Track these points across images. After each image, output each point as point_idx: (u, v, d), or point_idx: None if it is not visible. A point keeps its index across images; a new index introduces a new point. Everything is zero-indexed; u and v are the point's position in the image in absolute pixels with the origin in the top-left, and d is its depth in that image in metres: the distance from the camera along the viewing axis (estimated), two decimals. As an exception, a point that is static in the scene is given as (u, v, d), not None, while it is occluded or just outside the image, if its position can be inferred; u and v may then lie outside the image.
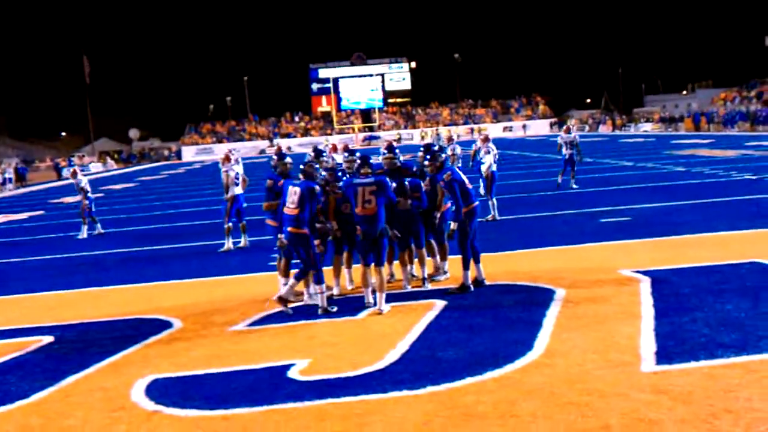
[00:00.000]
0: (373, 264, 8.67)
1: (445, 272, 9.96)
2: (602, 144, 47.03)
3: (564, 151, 20.95)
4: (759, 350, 6.21)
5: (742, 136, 44.93)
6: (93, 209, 18.48)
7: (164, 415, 5.82)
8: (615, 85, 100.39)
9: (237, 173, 14.46)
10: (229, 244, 14.17)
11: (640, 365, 6.08)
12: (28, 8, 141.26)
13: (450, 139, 19.17)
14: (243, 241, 14.46)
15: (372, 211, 8.61)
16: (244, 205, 14.56)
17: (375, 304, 8.63)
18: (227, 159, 14.94)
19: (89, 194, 18.20)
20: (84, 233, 18.21)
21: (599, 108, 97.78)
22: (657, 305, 7.82)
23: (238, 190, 14.37)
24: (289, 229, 8.66)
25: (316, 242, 8.79)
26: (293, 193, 8.68)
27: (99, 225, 18.74)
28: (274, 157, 9.93)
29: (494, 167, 16.32)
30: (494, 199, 15.93)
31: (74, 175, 18.62)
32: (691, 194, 17.55)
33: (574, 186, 20.82)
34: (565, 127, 21.95)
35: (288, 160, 9.75)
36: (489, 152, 16.45)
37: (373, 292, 8.76)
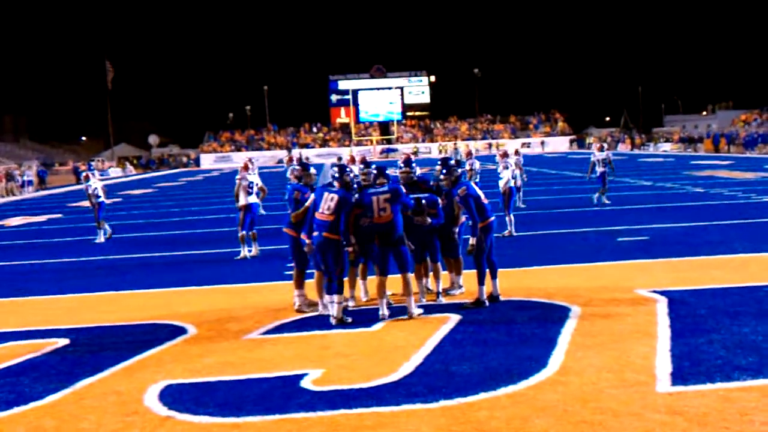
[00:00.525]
0: (402, 272, 8.76)
1: (460, 287, 9.94)
2: (621, 163, 46.70)
3: (597, 169, 21.02)
4: (776, 374, 6.15)
5: (763, 159, 44.60)
6: (101, 214, 18.49)
7: (177, 421, 5.84)
8: (635, 104, 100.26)
9: (251, 182, 14.46)
10: (244, 252, 14.21)
11: (655, 385, 6.04)
12: (51, 12, 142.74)
13: (469, 154, 19.22)
14: (254, 249, 14.43)
15: (387, 218, 8.68)
16: (262, 212, 14.55)
17: (389, 316, 8.67)
18: (245, 168, 14.98)
19: (100, 199, 18.20)
20: (101, 237, 18.33)
21: (618, 126, 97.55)
22: (673, 326, 7.77)
23: (252, 199, 14.39)
24: (324, 234, 8.71)
25: (349, 249, 8.83)
26: (329, 200, 8.76)
27: (107, 226, 18.81)
28: (297, 167, 9.99)
29: (512, 183, 16.27)
30: (511, 215, 15.88)
31: (86, 179, 18.74)
32: (710, 215, 17.45)
33: (594, 203, 20.76)
34: (598, 146, 22.04)
35: (312, 171, 9.86)
36: (507, 167, 16.41)
37: (389, 305, 8.88)
